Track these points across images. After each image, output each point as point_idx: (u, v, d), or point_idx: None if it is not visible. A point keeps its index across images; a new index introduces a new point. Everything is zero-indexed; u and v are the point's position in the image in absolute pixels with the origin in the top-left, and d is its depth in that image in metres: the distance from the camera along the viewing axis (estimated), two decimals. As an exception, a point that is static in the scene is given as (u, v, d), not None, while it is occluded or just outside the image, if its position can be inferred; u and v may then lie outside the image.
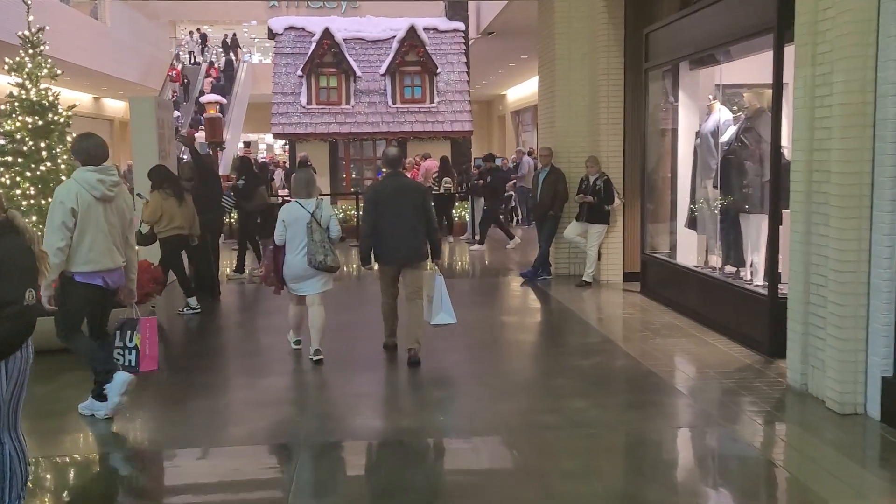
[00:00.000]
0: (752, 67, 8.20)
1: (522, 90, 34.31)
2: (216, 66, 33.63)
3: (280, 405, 6.03)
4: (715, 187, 8.61)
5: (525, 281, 11.44)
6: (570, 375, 6.61)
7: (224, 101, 18.85)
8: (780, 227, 6.79)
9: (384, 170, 7.39)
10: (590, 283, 10.79)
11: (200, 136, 19.42)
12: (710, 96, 8.86)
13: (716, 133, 8.57)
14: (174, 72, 31.33)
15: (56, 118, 7.85)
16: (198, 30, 36.91)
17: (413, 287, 7.08)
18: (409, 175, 17.37)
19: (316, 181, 7.44)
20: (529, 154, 20.64)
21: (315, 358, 7.02)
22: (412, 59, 19.22)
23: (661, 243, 10.20)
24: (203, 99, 17.43)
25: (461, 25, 20.60)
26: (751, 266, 7.97)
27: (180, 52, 34.56)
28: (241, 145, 24.48)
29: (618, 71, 10.79)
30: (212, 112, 17.17)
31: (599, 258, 10.89)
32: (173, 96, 28.27)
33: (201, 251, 9.90)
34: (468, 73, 20.13)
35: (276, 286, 7.23)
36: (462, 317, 9.08)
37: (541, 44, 12.34)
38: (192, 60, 33.24)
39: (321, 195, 7.85)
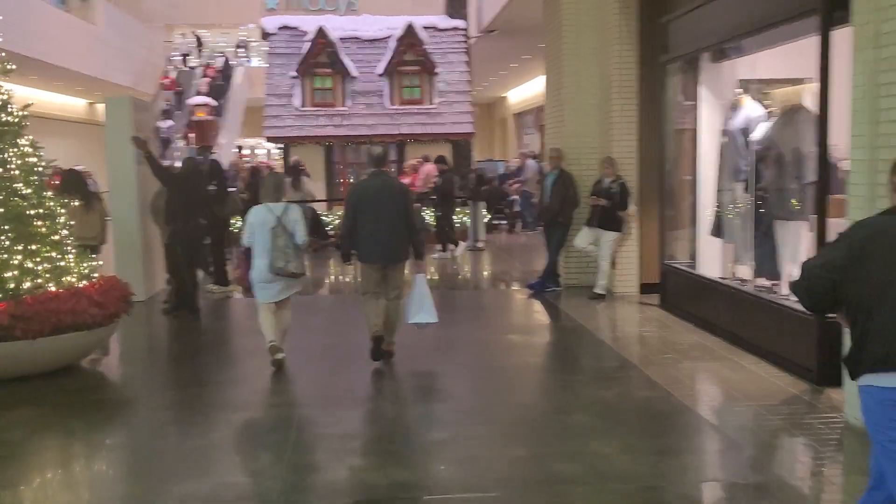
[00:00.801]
0: (784, 58, 7.36)
1: (524, 92, 33.52)
2: (212, 65, 32.85)
3: (253, 451, 5.16)
4: (745, 191, 7.75)
5: (532, 293, 10.57)
6: (589, 410, 5.73)
7: (213, 102, 17.96)
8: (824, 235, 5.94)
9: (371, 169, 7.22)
10: (603, 295, 9.93)
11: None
12: (739, 90, 8.00)
13: (745, 131, 7.72)
14: (167, 80, 30.54)
15: (8, 119, 6.98)
16: (192, 32, 36.06)
17: (394, 286, 7.05)
18: (409, 180, 16.60)
19: (286, 186, 7.34)
20: (534, 157, 19.79)
21: (277, 356, 6.81)
22: (411, 58, 18.37)
23: (682, 252, 9.34)
24: (191, 101, 16.56)
25: (462, 23, 19.74)
26: (788, 279, 7.10)
27: (174, 56, 33.64)
28: (233, 150, 23.73)
29: (631, 65, 9.93)
30: (200, 115, 16.30)
31: (613, 268, 10.03)
32: (167, 104, 27.44)
33: (173, 264, 9.11)
34: (469, 72, 19.27)
35: (243, 289, 7.14)
36: (462, 336, 8.26)
37: (547, 38, 11.49)
38: (186, 64, 32.38)
39: (311, 200, 7.53)
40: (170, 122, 23.19)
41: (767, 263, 7.40)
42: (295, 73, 18.23)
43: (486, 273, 13.24)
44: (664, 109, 9.26)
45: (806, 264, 3.12)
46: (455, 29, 19.64)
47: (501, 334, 8.47)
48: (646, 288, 10.06)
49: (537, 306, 10.00)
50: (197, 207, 9.30)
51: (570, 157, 10.58)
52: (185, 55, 32.26)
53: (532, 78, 30.10)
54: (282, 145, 18.36)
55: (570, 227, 10.42)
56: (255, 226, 6.72)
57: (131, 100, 10.23)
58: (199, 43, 34.63)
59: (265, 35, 19.35)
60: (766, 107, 7.72)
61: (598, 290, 9.92)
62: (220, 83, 30.70)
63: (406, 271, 7.38)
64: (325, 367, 7.16)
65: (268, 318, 6.86)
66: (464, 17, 19.91)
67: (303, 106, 18.14)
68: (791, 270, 7.04)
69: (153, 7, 38.87)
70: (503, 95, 37.93)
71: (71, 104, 32.54)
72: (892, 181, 3.08)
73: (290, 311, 7.07)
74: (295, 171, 15.48)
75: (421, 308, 7.02)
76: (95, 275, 7.28)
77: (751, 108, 7.72)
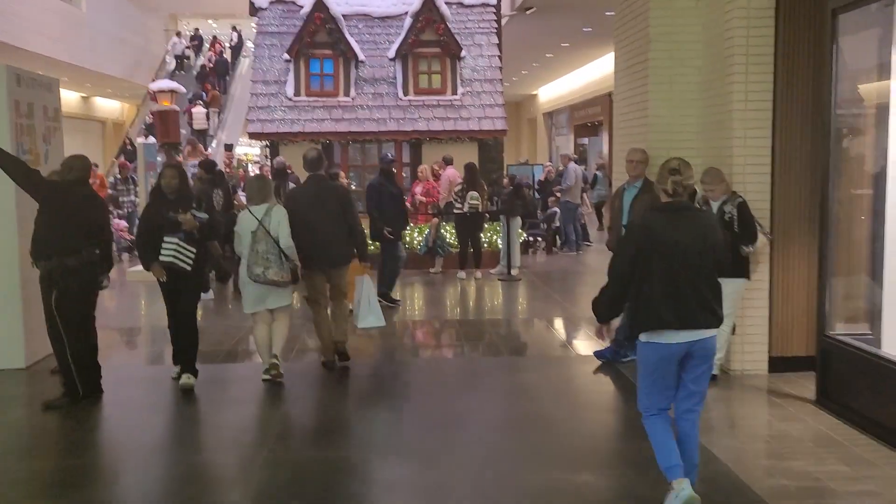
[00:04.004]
0: None
1: (557, 88, 30.24)
2: (219, 40, 29.88)
3: None
4: None
5: (601, 364, 7.14)
6: None
7: (181, 89, 14.68)
8: None
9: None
10: (714, 375, 6.46)
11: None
12: None
13: None
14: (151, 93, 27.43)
15: None
16: (194, 31, 32.89)
17: (338, 288, 7.04)
18: (422, 188, 13.22)
19: (271, 187, 6.90)
20: (577, 161, 16.32)
21: (271, 373, 6.51)
22: (429, 38, 14.95)
23: (853, 314, 5.88)
24: (153, 86, 13.29)
25: (492, -2, 16.33)
26: None
27: (167, 57, 30.52)
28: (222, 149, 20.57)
29: (762, 21, 6.44)
30: (165, 104, 12.98)
31: (733, 333, 6.54)
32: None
33: (48, 321, 5.80)
34: (500, 57, 15.84)
35: None
36: (498, 445, 4.89)
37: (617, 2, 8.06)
38: (179, 66, 29.28)
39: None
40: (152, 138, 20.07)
41: None
42: (288, 56, 14.89)
43: (525, 319, 9.77)
44: (828, 86, 5.77)
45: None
46: (484, 5, 16.27)
47: (553, 440, 5.13)
48: (779, 364, 6.60)
49: (609, 388, 6.59)
50: (83, 234, 5.90)
51: (656, 162, 7.12)
52: (177, 57, 29.15)
53: (568, 72, 26.76)
54: (266, 143, 15.01)
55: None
56: (242, 233, 6.45)
57: (8, 69, 6.90)
58: (199, 40, 31.47)
59: (254, 10, 16.02)
60: None
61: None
62: (226, 59, 27.79)
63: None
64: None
65: (260, 331, 6.59)
66: (495, -9, 16.47)
67: (296, 95, 14.81)
68: None
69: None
70: (533, 93, 34.54)
71: (63, 98, 29.62)
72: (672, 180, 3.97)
73: (284, 323, 6.70)
74: (280, 176, 12.10)
75: (369, 311, 7.19)
76: None
77: None
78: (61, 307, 5.80)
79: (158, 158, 12.39)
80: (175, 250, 6.03)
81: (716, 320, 3.98)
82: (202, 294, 10.28)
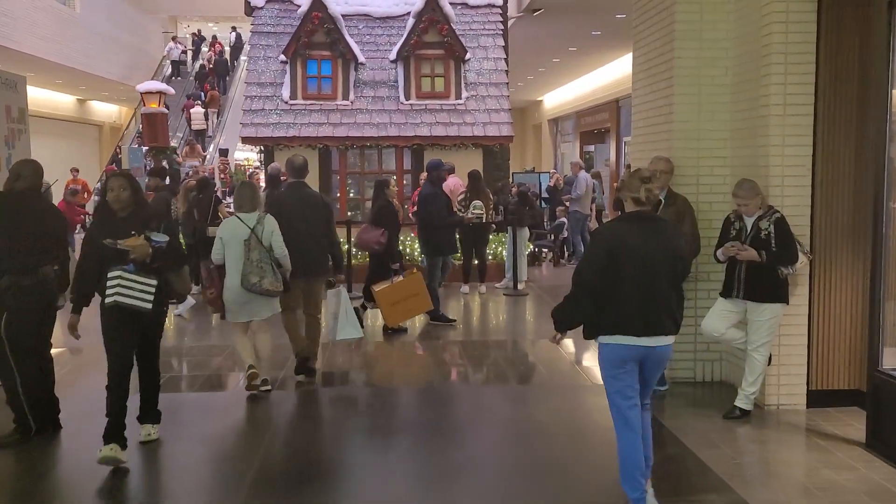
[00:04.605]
0: None
1: (563, 94, 29.55)
2: (219, 40, 29.37)
3: None
4: None
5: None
6: None
7: (170, 90, 13.99)
8: None
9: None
10: (748, 411, 5.76)
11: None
12: None
13: None
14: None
15: None
16: (197, 31, 32.35)
17: (313, 301, 6.93)
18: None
19: (260, 195, 6.82)
20: (587, 169, 15.65)
21: (257, 384, 6.35)
22: (433, 39, 14.27)
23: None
24: (141, 87, 12.59)
25: (498, -1, 15.65)
26: None
27: (173, 48, 29.93)
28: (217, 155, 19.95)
29: (803, 14, 5.76)
30: (153, 106, 12.29)
31: (769, 363, 5.84)
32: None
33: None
34: (506, 60, 15.16)
35: (221, 311, 6.47)
36: (508, 496, 4.22)
37: (640, -13, 7.38)
38: (175, 72, 28.72)
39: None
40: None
41: None
42: (284, 58, 14.22)
43: (533, 339, 9.06)
44: (884, 86, 5.08)
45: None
46: (489, 6, 15.59)
47: (569, 486, 4.43)
48: (819, 398, 5.91)
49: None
50: (39, 249, 5.21)
51: (680, 172, 6.46)
52: (173, 62, 28.63)
53: (575, 78, 26.07)
54: (260, 148, 14.32)
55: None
56: (227, 240, 6.27)
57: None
58: (198, 43, 30.95)
59: (250, 10, 15.37)
60: None
61: (743, 404, 5.74)
62: (226, 59, 27.30)
63: None
64: None
65: (244, 341, 6.45)
66: (501, -9, 15.80)
67: (293, 98, 14.12)
68: None
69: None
70: (539, 99, 33.86)
71: (57, 101, 29.01)
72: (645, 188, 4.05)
73: (268, 334, 6.91)
74: (273, 183, 11.43)
75: (346, 323, 7.14)
76: None
77: None
78: (12, 332, 5.12)
79: (146, 162, 11.72)
80: (119, 286, 4.70)
81: (675, 328, 4.12)
82: (180, 304, 9.64)
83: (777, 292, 5.61)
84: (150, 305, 4.77)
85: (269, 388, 6.48)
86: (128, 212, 4.90)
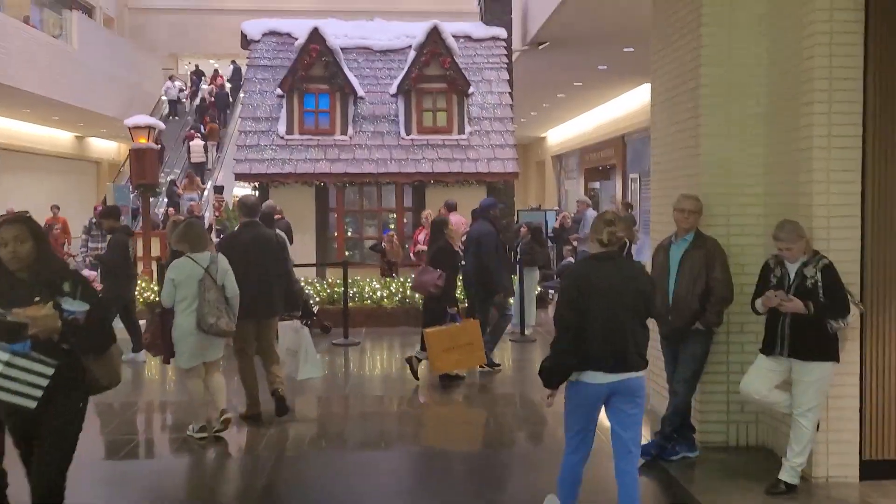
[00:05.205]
0: None
1: (567, 130, 29.14)
2: (220, 75, 29.07)
3: None
4: None
5: (644, 462, 5.72)
6: None
7: (160, 125, 13.44)
8: None
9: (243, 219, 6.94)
10: (794, 486, 5.03)
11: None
12: None
13: None
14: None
15: None
16: (195, 67, 32.09)
17: (267, 341, 6.81)
18: (425, 235, 11.92)
19: (205, 233, 6.55)
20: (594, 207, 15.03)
21: (221, 424, 6.21)
22: (435, 72, 13.74)
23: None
24: (129, 122, 12.04)
25: (502, 32, 15.16)
26: None
27: (169, 86, 29.58)
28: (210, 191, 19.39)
29: (849, 36, 5.14)
30: (141, 141, 11.71)
31: (817, 429, 5.12)
32: None
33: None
34: (511, 94, 14.62)
35: (164, 354, 6.38)
36: None
37: (660, 9, 6.79)
38: (173, 112, 28.38)
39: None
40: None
41: None
42: (280, 91, 13.68)
43: (543, 391, 8.31)
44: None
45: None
46: (494, 39, 15.11)
47: None
48: (874, 469, 5.18)
49: (657, 498, 5.17)
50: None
51: (709, 212, 5.81)
52: (171, 101, 28.32)
53: (580, 113, 25.62)
54: (255, 185, 13.72)
55: (711, 340, 5.66)
56: (180, 281, 6.07)
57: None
58: (199, 78, 30.65)
59: (246, 43, 14.88)
60: None
61: (788, 477, 5.00)
62: (226, 93, 26.99)
63: None
64: None
65: (198, 385, 6.25)
66: (506, 24, 15.32)
67: (289, 133, 13.56)
68: None
69: (158, 35, 35.43)
70: (542, 135, 33.45)
71: (55, 137, 28.59)
72: (608, 231, 4.21)
73: (221, 374, 6.40)
74: (267, 221, 10.70)
75: (306, 361, 7.07)
76: None
77: None
78: None
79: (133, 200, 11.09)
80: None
81: (643, 363, 4.22)
82: (132, 354, 8.97)
83: (826, 349, 4.92)
84: (34, 404, 3.39)
85: (206, 436, 6.20)
86: (29, 271, 3.59)
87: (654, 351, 6.83)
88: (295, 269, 11.13)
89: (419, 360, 8.32)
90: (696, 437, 5.80)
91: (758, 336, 5.74)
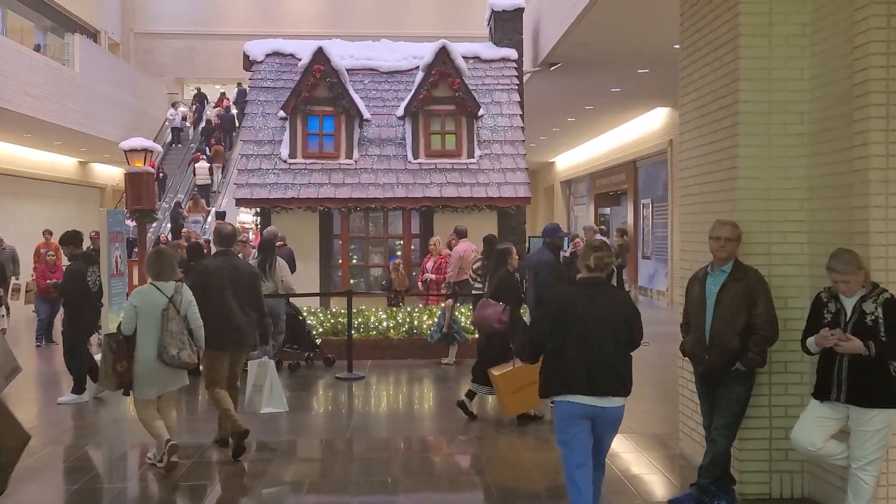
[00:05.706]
0: None
1: (576, 156, 28.71)
2: (226, 96, 28.83)
3: None
4: None
5: (679, 517, 5.17)
6: None
7: (157, 147, 13.02)
8: None
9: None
10: (852, 547, 4.46)
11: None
12: None
13: None
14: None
15: None
16: (196, 90, 31.87)
17: (235, 373, 6.77)
18: (434, 262, 11.44)
19: (174, 263, 6.37)
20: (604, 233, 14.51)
21: (167, 452, 5.92)
22: (443, 94, 13.31)
23: None
24: (124, 145, 11.60)
25: (512, 52, 14.75)
26: None
27: (172, 113, 29.34)
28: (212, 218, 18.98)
29: (905, 47, 4.65)
30: (137, 164, 11.26)
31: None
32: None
33: None
34: (522, 116, 14.16)
35: (124, 387, 6.09)
36: None
37: (690, 21, 6.31)
38: (176, 139, 28.11)
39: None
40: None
41: None
42: (283, 113, 13.25)
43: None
44: None
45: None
46: (504, 60, 14.70)
47: None
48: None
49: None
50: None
51: (749, 240, 5.28)
52: (174, 129, 28.06)
53: (590, 138, 25.20)
54: (256, 210, 13.25)
55: (753, 381, 5.10)
56: (142, 309, 5.97)
57: None
58: (201, 100, 30.42)
59: (249, 65, 14.48)
60: None
61: (847, 540, 4.45)
62: (233, 115, 26.75)
63: None
64: None
65: (153, 415, 6.08)
66: (516, 44, 14.91)
67: (292, 157, 13.11)
68: None
69: (164, 60, 35.27)
70: (551, 161, 33.04)
71: (58, 163, 28.26)
72: (595, 256, 4.34)
73: (173, 406, 6.34)
74: (267, 250, 10.22)
75: (271, 396, 6.87)
76: None
77: None
78: None
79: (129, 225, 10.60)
80: None
81: (624, 390, 4.27)
82: (75, 395, 8.47)
83: (889, 394, 4.37)
84: None
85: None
86: None
87: (686, 390, 6.29)
88: (297, 299, 10.73)
89: (471, 398, 7.79)
90: (735, 488, 5.23)
91: (803, 376, 5.23)
